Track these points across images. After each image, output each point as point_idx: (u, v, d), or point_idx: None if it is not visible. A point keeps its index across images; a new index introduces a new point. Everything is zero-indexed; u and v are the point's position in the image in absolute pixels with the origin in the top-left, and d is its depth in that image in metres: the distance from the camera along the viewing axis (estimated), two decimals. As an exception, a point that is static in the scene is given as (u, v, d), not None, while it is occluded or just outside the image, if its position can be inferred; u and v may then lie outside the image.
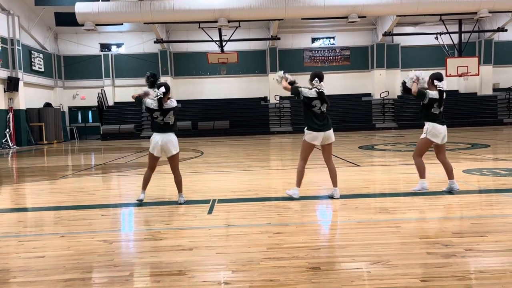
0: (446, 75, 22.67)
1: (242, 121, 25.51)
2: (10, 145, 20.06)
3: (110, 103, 27.03)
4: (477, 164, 8.59)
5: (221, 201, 5.73)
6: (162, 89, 5.41)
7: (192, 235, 4.18)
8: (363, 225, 4.34)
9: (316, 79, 5.52)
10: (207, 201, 5.72)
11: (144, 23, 21.20)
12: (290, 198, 5.63)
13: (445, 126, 5.67)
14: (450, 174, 5.69)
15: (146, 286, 2.98)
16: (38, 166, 11.77)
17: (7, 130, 20.29)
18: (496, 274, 2.97)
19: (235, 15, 19.50)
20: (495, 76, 27.24)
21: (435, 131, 5.59)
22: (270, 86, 26.46)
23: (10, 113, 20.53)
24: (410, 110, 25.00)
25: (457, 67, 22.15)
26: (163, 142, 5.47)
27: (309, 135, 5.53)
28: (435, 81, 5.61)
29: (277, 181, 6.97)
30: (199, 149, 15.31)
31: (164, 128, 5.51)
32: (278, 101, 25.91)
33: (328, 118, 5.60)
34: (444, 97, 5.60)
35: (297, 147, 14.92)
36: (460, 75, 22.47)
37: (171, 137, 5.54)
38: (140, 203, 5.62)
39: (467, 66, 22.17)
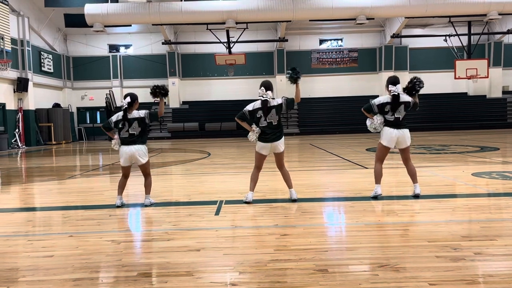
0: (455, 78, 22.53)
1: (249, 122, 25.54)
2: (19, 145, 20.25)
3: (118, 104, 27.15)
4: (486, 167, 8.52)
5: (228, 202, 5.74)
6: (128, 99, 5.38)
7: (200, 236, 4.18)
8: (371, 228, 4.33)
9: (262, 88, 5.38)
10: (214, 202, 5.73)
11: (152, 25, 21.30)
12: (297, 200, 5.63)
13: (399, 131, 5.50)
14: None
15: (153, 286, 2.99)
16: (47, 166, 11.87)
17: (17, 130, 20.49)
18: (506, 278, 2.94)
19: (243, 17, 19.53)
20: (505, 78, 27.00)
21: (385, 135, 5.55)
22: (277, 88, 26.44)
23: (20, 113, 20.73)
24: (416, 113, 24.84)
25: (466, 69, 22.00)
26: (131, 152, 5.41)
27: (258, 145, 5.54)
28: (389, 85, 5.53)
29: (284, 183, 6.94)
30: (206, 150, 15.35)
31: (129, 140, 5.42)
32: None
33: (278, 129, 5.44)
34: (401, 101, 5.43)
35: (303, 149, 14.91)
36: (469, 78, 22.30)
37: (139, 147, 5.46)
38: (121, 206, 5.58)
39: (476, 69, 22.00)
